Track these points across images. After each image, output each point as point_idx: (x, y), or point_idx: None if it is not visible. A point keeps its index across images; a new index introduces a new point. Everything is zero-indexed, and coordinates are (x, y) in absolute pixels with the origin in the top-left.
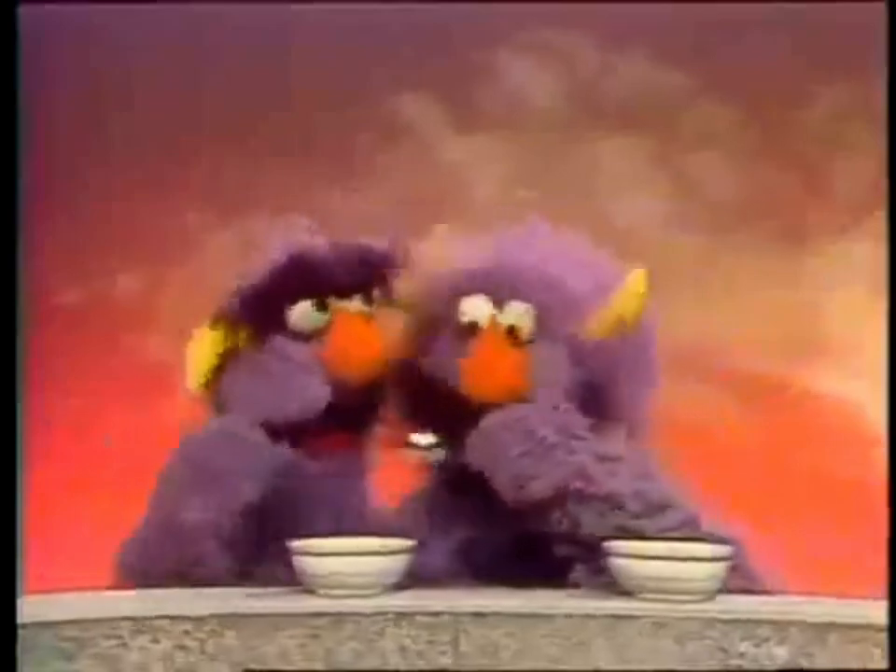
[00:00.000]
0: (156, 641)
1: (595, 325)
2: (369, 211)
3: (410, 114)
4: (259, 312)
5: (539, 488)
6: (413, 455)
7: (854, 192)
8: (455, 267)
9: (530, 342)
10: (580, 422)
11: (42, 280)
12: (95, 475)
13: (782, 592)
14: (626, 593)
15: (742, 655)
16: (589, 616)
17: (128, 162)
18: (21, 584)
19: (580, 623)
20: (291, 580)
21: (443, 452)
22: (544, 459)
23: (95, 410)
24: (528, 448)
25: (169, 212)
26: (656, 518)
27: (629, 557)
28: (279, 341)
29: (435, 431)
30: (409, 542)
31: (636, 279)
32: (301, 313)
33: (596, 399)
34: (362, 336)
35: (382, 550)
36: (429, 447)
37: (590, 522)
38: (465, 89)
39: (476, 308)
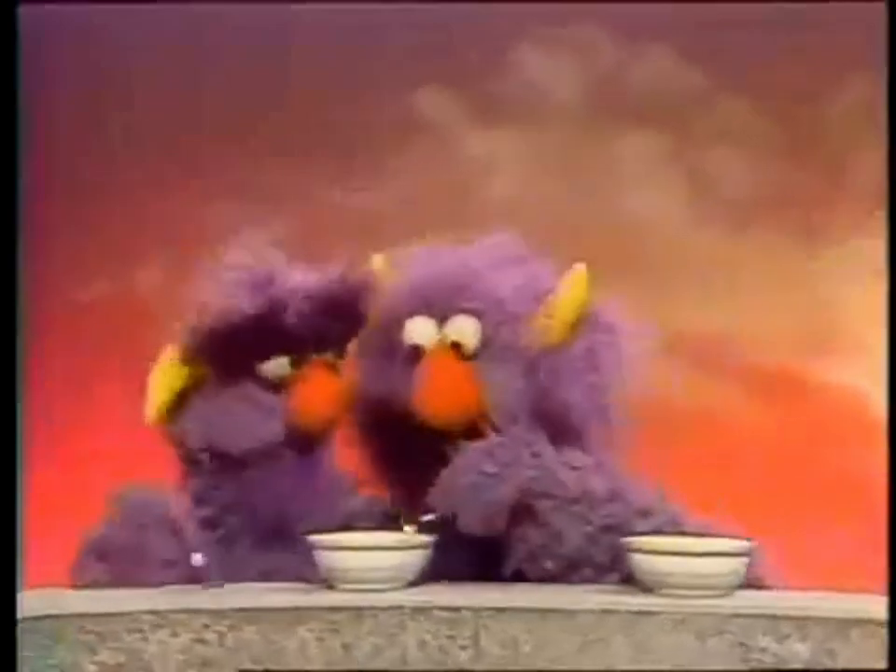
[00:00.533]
0: (175, 635)
1: (540, 332)
2: (371, 210)
3: (424, 109)
4: (226, 357)
5: (505, 491)
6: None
7: (868, 189)
8: (397, 285)
9: (476, 355)
10: (542, 438)
11: (41, 281)
12: (95, 475)
13: (786, 588)
14: (646, 589)
15: (763, 651)
16: (609, 612)
17: (128, 162)
18: (20, 582)
19: (599, 618)
20: None
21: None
22: (509, 465)
23: (96, 410)
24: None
25: (169, 212)
26: (638, 522)
27: (648, 553)
28: (250, 387)
29: (406, 468)
30: (428, 538)
31: (575, 277)
32: (277, 366)
33: (553, 409)
34: (326, 388)
35: (401, 545)
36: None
37: (570, 530)
38: (482, 84)
39: (419, 330)
